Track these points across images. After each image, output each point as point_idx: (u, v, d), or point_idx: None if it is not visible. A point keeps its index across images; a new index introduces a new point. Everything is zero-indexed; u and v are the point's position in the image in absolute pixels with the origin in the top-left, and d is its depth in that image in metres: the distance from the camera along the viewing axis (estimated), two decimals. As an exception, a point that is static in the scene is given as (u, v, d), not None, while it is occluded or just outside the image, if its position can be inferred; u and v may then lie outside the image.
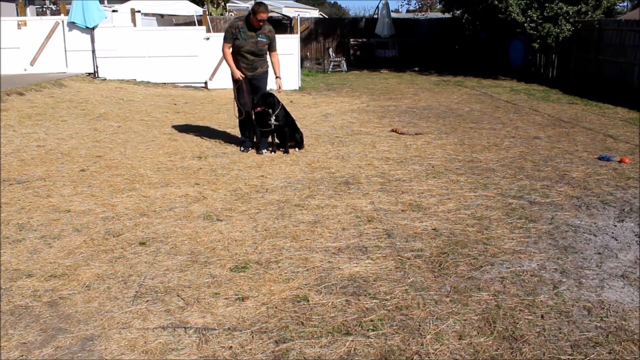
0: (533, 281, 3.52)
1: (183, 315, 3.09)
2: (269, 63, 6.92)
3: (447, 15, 20.72)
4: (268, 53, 6.86)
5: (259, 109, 6.59)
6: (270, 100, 6.62)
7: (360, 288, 3.41)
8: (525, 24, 14.53)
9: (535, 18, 14.40)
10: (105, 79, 13.14)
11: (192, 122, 8.99)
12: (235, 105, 6.93)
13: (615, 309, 3.19)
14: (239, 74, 6.63)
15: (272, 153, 6.86)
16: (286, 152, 6.87)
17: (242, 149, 6.98)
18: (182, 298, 3.27)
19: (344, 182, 5.64)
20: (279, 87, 6.98)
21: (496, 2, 14.75)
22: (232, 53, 6.70)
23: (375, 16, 21.41)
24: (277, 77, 6.89)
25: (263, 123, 6.71)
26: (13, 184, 5.42)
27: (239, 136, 7.23)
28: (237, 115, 6.91)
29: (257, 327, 2.97)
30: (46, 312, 3.11)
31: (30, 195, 5.11)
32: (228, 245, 4.04)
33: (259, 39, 6.61)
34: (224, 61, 6.83)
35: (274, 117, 6.65)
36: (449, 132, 8.37)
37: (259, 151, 6.88)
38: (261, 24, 6.53)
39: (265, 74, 6.90)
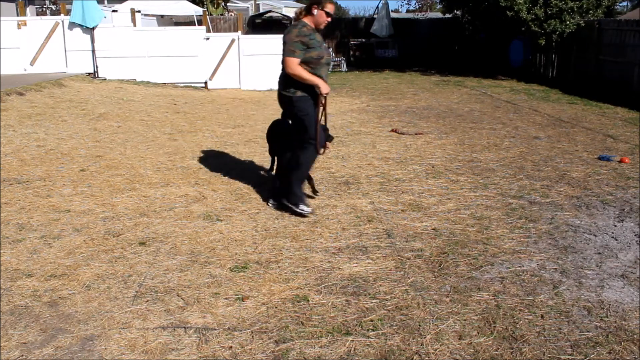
0: (533, 281, 3.52)
1: (183, 315, 3.09)
2: None
3: (447, 15, 20.73)
4: None
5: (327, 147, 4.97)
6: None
7: (360, 288, 3.41)
8: (530, 22, 14.53)
9: (539, 15, 14.43)
10: (105, 79, 13.13)
11: (192, 122, 8.99)
12: (317, 136, 4.66)
13: (615, 309, 3.19)
14: (327, 87, 4.56)
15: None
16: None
17: (304, 207, 4.70)
18: (182, 298, 3.27)
19: (344, 182, 5.64)
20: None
21: (502, 2, 14.71)
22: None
23: (375, 16, 21.41)
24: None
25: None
26: (13, 184, 5.42)
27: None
28: (320, 151, 4.76)
29: (257, 327, 2.97)
30: (46, 312, 3.11)
31: (30, 195, 5.11)
32: (228, 245, 4.04)
33: (324, 44, 4.76)
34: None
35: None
36: (449, 132, 8.37)
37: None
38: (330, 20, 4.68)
39: None
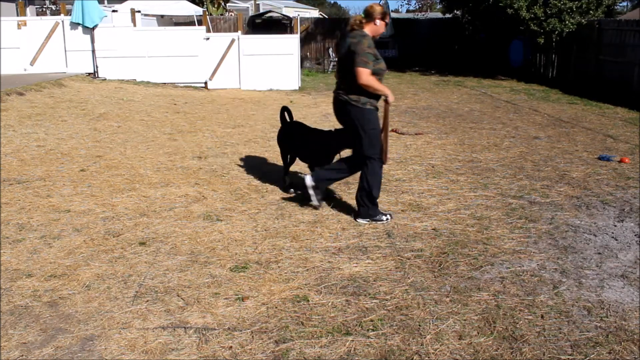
0: (533, 281, 3.52)
1: (183, 315, 3.09)
2: None
3: (447, 15, 20.74)
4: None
5: None
6: None
7: (360, 288, 3.41)
8: (529, 21, 14.53)
9: (539, 15, 14.43)
10: (105, 79, 13.14)
11: (192, 122, 8.99)
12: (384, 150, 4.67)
13: (615, 309, 3.19)
14: (393, 95, 4.62)
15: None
16: None
17: (318, 201, 4.81)
18: (182, 298, 3.27)
19: (344, 182, 5.64)
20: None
21: (502, 1, 14.69)
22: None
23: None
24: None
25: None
26: (13, 184, 5.42)
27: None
28: (385, 161, 4.73)
29: (257, 327, 2.97)
30: (46, 312, 3.11)
31: (30, 195, 5.11)
32: (228, 245, 4.04)
33: None
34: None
35: None
36: (449, 132, 8.37)
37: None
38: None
39: None
